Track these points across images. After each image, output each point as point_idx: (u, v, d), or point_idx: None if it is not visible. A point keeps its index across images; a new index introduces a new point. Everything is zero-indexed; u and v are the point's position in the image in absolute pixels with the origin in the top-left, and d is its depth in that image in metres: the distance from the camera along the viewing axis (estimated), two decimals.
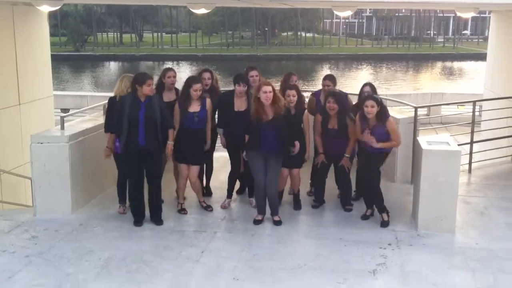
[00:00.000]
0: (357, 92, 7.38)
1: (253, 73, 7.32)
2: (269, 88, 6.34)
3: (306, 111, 7.00)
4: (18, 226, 6.61)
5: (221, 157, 8.30)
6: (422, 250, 5.99)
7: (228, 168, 7.38)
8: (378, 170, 6.66)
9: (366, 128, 6.44)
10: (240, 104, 6.94)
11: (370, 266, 5.56)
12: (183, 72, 42.39)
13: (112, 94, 7.08)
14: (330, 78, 7.53)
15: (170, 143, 6.53)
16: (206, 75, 7.33)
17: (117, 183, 7.07)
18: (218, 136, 7.35)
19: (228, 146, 7.20)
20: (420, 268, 5.53)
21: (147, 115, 6.28)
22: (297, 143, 6.57)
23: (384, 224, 6.57)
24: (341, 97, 6.90)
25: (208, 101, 6.84)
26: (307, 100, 7.73)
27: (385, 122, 6.41)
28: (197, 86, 6.69)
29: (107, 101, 7.19)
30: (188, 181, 7.03)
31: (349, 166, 6.91)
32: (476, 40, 74.13)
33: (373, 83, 7.43)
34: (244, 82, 6.89)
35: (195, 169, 6.95)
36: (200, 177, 7.29)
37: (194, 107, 6.73)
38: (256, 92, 6.41)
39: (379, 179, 6.68)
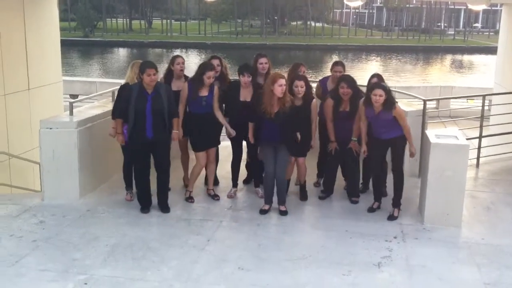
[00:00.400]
0: (365, 83, 7.34)
1: (263, 60, 7.29)
2: (284, 81, 6.35)
3: (314, 100, 6.97)
4: (26, 210, 6.66)
5: (227, 147, 8.30)
6: (427, 244, 5.99)
7: None
8: (402, 159, 6.66)
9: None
10: (246, 94, 6.93)
11: (375, 258, 5.57)
12: (191, 62, 42.31)
13: (122, 81, 7.11)
14: (341, 64, 7.51)
15: (175, 132, 6.55)
16: (215, 62, 7.32)
17: (122, 169, 7.10)
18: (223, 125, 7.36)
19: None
20: (425, 262, 5.53)
21: (154, 108, 6.27)
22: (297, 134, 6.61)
23: (392, 218, 6.56)
24: (354, 81, 6.86)
25: (216, 87, 6.85)
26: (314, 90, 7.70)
27: (391, 109, 6.38)
28: (211, 73, 6.70)
29: (115, 87, 7.21)
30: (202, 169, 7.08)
31: (357, 149, 6.85)
32: (487, 33, 73.48)
33: (382, 75, 7.39)
34: (249, 72, 6.87)
35: (213, 149, 7.04)
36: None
37: (203, 92, 6.74)
38: (270, 85, 6.39)
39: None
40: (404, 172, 6.79)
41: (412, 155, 6.62)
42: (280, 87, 6.31)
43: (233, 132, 6.97)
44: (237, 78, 7.06)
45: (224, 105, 7.18)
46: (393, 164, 6.67)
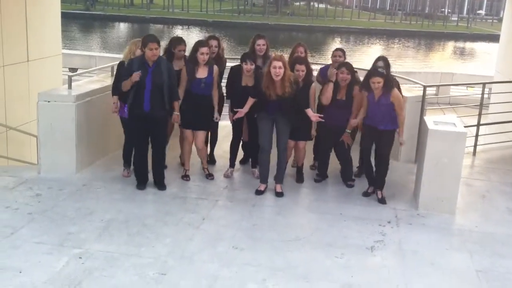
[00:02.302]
0: (367, 67, 7.32)
1: (260, 41, 7.26)
2: (279, 64, 6.27)
3: (313, 84, 6.96)
4: (22, 183, 6.67)
5: (226, 127, 8.30)
6: (421, 229, 6.03)
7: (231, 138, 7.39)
8: (390, 148, 6.66)
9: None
10: (247, 79, 6.90)
11: (368, 242, 5.61)
12: (192, 38, 42.05)
13: (121, 56, 7.07)
14: (341, 50, 7.52)
15: (176, 114, 6.53)
16: (214, 42, 7.27)
17: (123, 146, 7.09)
18: (224, 105, 7.34)
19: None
20: (418, 247, 5.57)
21: (154, 81, 6.25)
22: (309, 111, 6.55)
23: (382, 201, 6.61)
24: (353, 68, 6.85)
25: (215, 68, 6.82)
26: (315, 72, 7.67)
27: (389, 92, 6.40)
28: (204, 49, 6.65)
29: (115, 62, 7.17)
30: (193, 147, 7.05)
31: (349, 142, 6.88)
32: (491, 20, 72.99)
33: None
34: (251, 60, 6.83)
35: (201, 134, 6.97)
36: (205, 144, 7.30)
37: (202, 73, 6.71)
38: (268, 66, 6.36)
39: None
40: (394, 156, 6.79)
41: (401, 144, 6.65)
42: (274, 69, 6.26)
43: (216, 118, 6.98)
44: (238, 62, 7.01)
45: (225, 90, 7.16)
46: (381, 149, 6.65)
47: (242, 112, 6.63)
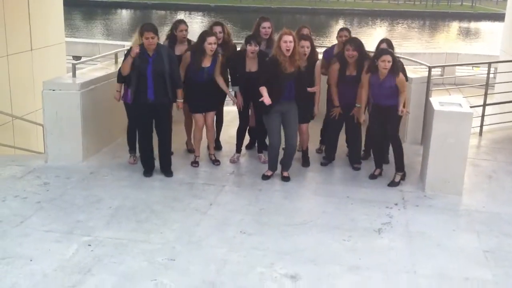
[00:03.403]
0: (373, 49, 7.27)
1: (266, 24, 7.20)
2: (289, 38, 6.18)
3: (318, 61, 6.90)
4: (30, 172, 6.70)
5: (231, 112, 8.30)
6: (428, 211, 6.03)
7: (237, 123, 7.39)
8: (397, 126, 6.62)
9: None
10: (251, 65, 6.85)
11: (376, 224, 5.62)
12: (195, 24, 41.89)
13: (125, 43, 7.06)
14: (347, 30, 7.43)
15: (180, 101, 6.57)
16: (218, 28, 7.19)
17: (126, 132, 7.11)
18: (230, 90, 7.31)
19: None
20: (425, 229, 5.58)
21: (155, 70, 6.24)
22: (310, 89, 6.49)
23: (393, 184, 6.59)
24: (360, 43, 6.77)
25: (219, 57, 6.78)
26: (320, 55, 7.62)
27: (395, 75, 6.35)
28: (211, 39, 6.61)
29: (118, 49, 7.17)
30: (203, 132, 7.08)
31: (359, 117, 6.81)
32: None
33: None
34: (256, 42, 6.78)
35: (211, 114, 7.00)
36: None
37: (206, 63, 6.68)
38: (278, 41, 6.28)
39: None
40: (400, 138, 6.74)
41: (404, 113, 6.51)
42: (285, 44, 6.19)
43: (235, 100, 6.96)
44: (243, 45, 6.97)
45: (229, 75, 7.13)
46: (389, 130, 6.62)
47: (267, 101, 6.23)
